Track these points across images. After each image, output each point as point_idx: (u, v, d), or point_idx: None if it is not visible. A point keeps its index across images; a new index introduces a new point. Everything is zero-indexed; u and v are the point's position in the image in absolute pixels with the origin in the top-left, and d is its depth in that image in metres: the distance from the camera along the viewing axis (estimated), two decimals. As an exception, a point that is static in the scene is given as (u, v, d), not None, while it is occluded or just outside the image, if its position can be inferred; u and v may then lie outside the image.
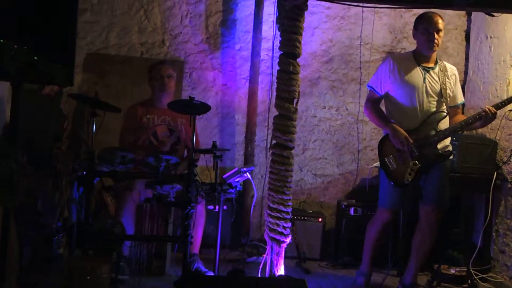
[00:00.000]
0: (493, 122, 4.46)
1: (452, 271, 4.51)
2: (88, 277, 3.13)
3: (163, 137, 4.41)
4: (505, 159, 4.63)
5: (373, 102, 4.03)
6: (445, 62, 4.03)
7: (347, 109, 5.56)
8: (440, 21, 3.85)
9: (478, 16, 5.35)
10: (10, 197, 2.17)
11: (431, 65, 3.94)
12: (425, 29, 3.85)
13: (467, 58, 5.54)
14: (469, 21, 5.55)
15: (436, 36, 3.83)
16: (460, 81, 4.16)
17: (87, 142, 3.64)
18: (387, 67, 3.94)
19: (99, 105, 3.67)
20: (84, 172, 3.54)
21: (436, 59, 3.97)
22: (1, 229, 2.49)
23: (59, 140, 4.60)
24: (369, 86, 4.07)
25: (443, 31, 3.89)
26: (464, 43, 5.60)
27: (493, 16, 4.60)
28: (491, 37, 5.06)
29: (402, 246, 4.43)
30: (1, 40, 2.04)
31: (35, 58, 2.13)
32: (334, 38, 5.53)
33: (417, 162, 3.79)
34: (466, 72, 5.50)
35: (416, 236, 3.99)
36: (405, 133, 3.80)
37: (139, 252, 4.13)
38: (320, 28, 5.51)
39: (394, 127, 3.84)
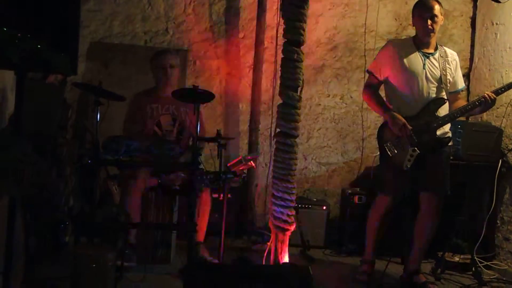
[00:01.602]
0: (498, 110, 4.46)
1: (457, 258, 4.52)
2: (94, 265, 3.14)
3: (167, 127, 4.40)
4: (510, 146, 4.62)
5: (372, 87, 4.01)
6: (445, 48, 3.99)
7: (351, 97, 5.55)
8: (436, 6, 3.81)
9: (484, 3, 5.32)
10: (15, 186, 2.18)
11: (431, 51, 3.91)
12: (420, 16, 3.82)
13: (472, 45, 5.51)
14: (475, 7, 5.52)
15: (430, 22, 3.80)
16: (465, 68, 4.15)
17: (92, 131, 3.64)
18: (387, 52, 3.92)
19: (103, 94, 3.66)
20: (89, 161, 3.54)
21: (436, 44, 3.93)
22: (7, 218, 2.50)
23: (64, 129, 4.61)
24: (368, 71, 4.05)
25: (439, 17, 3.83)
26: (470, 29, 5.56)
27: (499, 2, 4.58)
28: (497, 23, 5.03)
29: (406, 233, 4.44)
30: (5, 29, 2.04)
31: (39, 46, 2.13)
32: (339, 25, 5.51)
33: (416, 149, 3.78)
34: (471, 59, 5.48)
35: (418, 223, 3.98)
36: (403, 120, 3.78)
37: (145, 240, 4.14)
38: (324, 16, 5.48)
39: (392, 114, 3.83)
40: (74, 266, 3.18)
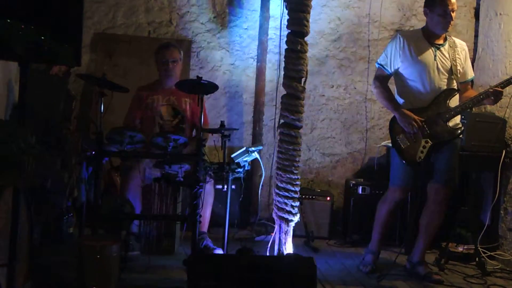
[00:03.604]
0: (502, 100, 4.43)
1: (460, 249, 4.52)
2: (98, 256, 3.16)
3: (167, 117, 4.39)
4: (514, 137, 4.61)
5: (381, 80, 4.00)
6: (454, 38, 3.99)
7: (355, 88, 5.53)
8: (455, 0, 3.81)
9: (488, -7, 5.29)
10: (20, 177, 2.19)
11: (441, 42, 3.90)
12: (443, 10, 3.77)
13: (476, 36, 5.49)
14: (478, -3, 5.50)
15: (452, 15, 3.79)
16: (469, 58, 4.13)
17: (96, 122, 3.65)
18: (397, 45, 3.90)
19: (107, 85, 3.67)
20: (93, 152, 3.55)
21: (445, 35, 3.93)
22: (12, 209, 2.51)
23: (68, 120, 4.61)
24: (378, 64, 4.04)
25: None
26: (474, 20, 5.54)
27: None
28: (500, 14, 5.00)
29: (410, 224, 4.44)
30: (9, 21, 2.04)
31: (43, 38, 2.13)
32: (343, 16, 5.49)
33: (429, 140, 3.79)
34: (475, 50, 5.45)
35: (425, 214, 3.99)
36: (413, 116, 3.78)
37: (149, 231, 4.16)
38: (328, 6, 5.46)
39: (402, 112, 3.82)
40: (79, 257, 3.20)
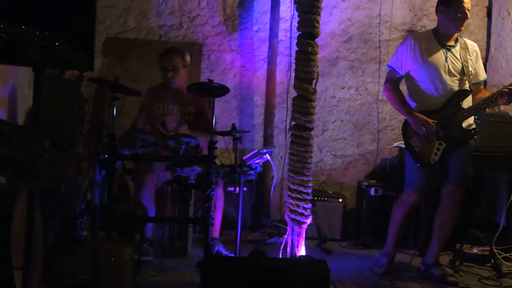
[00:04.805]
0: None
1: (475, 250, 4.48)
2: (112, 259, 3.18)
3: (171, 128, 4.37)
4: (528, 137, 4.56)
5: (393, 83, 3.98)
6: (465, 39, 3.97)
7: (366, 89, 5.52)
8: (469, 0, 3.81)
9: (500, -8, 5.26)
10: (34, 181, 2.20)
11: (452, 43, 3.88)
12: (458, 9, 3.76)
13: (489, 35, 5.45)
14: (491, -3, 5.46)
15: (467, 14, 3.78)
16: (482, 58, 4.11)
17: (108, 125, 3.67)
18: (408, 47, 3.89)
19: (119, 89, 3.69)
20: (106, 156, 3.57)
21: (457, 36, 3.91)
22: (27, 213, 2.53)
23: (81, 124, 4.65)
24: (389, 66, 4.02)
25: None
26: (486, 19, 5.50)
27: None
28: (513, 13, 4.97)
29: (424, 226, 4.42)
30: (23, 27, 2.05)
31: (57, 43, 2.15)
32: (353, 17, 5.48)
33: (443, 142, 3.77)
34: (488, 49, 5.42)
35: (439, 216, 3.96)
36: (425, 119, 3.76)
37: (161, 234, 4.17)
38: (338, 7, 5.45)
39: (414, 115, 3.81)
40: (93, 259, 3.22)
